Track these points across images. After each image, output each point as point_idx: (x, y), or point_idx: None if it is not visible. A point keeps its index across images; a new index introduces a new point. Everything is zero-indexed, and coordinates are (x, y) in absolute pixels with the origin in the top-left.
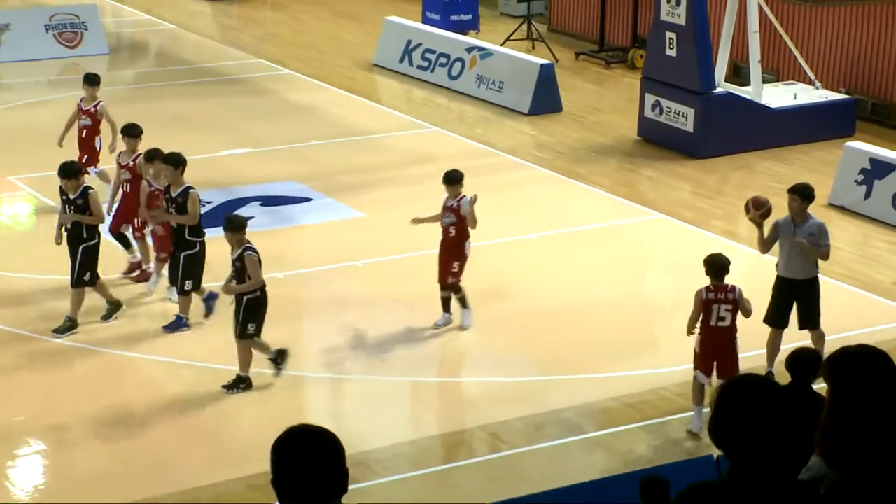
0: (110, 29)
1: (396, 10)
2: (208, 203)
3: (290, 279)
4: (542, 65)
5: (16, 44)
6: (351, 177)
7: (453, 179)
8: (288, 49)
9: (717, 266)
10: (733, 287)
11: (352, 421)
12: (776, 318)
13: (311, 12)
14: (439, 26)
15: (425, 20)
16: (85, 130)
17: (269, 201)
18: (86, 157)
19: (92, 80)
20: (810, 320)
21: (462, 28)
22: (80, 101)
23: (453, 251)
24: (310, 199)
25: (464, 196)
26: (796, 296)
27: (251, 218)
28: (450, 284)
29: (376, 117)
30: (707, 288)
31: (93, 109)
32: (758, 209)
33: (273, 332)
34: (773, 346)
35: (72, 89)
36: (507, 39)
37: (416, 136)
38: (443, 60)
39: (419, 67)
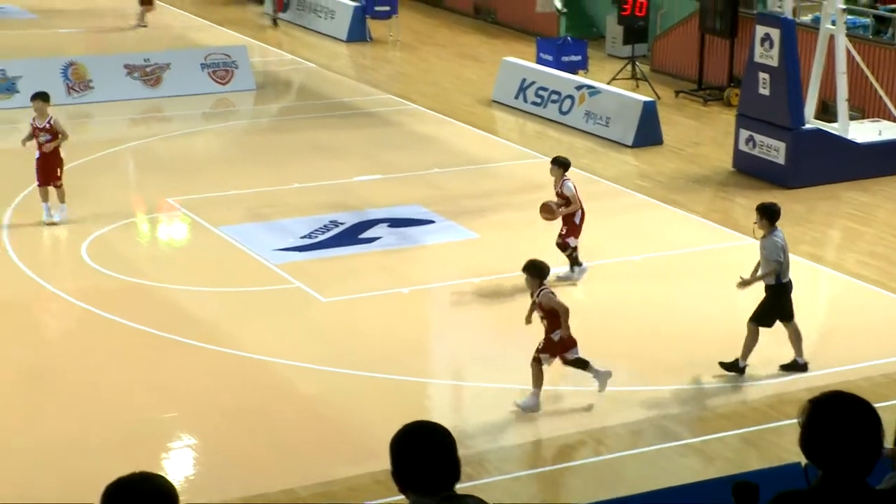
0: (257, 67)
1: (513, 51)
2: (341, 224)
3: (414, 294)
4: (645, 102)
5: (175, 80)
6: (469, 201)
7: (557, 163)
8: (415, 86)
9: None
10: None
11: (467, 423)
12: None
13: (436, 53)
14: (552, 66)
15: (539, 60)
16: (48, 145)
17: (395, 223)
18: (59, 169)
19: (44, 97)
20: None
21: (572, 68)
22: (33, 119)
23: (568, 220)
24: (432, 222)
25: (566, 180)
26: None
27: (379, 238)
28: (558, 244)
29: (493, 148)
30: None
31: (48, 125)
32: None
33: (401, 343)
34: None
35: (223, 120)
36: (614, 79)
37: (529, 166)
38: (554, 97)
39: (533, 103)
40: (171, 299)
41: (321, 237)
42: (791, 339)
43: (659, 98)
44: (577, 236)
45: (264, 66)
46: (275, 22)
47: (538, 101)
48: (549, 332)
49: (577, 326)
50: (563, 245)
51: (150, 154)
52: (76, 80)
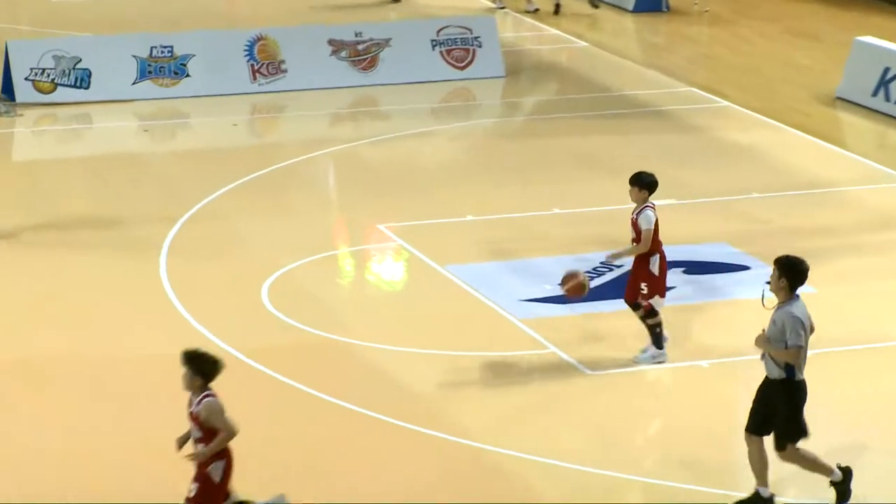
0: (507, 46)
1: (871, 27)
2: (616, 267)
3: (716, 370)
4: None
5: (396, 63)
6: (800, 241)
7: (638, 182)
8: (726, 75)
9: None
10: None
11: None
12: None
13: (758, 29)
14: None
15: None
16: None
17: (693, 268)
18: None
19: None
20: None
21: None
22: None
23: (637, 269)
24: (745, 268)
25: (647, 207)
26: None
27: (669, 289)
28: (641, 306)
29: (837, 165)
30: None
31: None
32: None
33: (702, 438)
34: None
35: (458, 118)
36: None
37: (890, 192)
38: None
39: None
40: (379, 364)
41: (590, 284)
42: (753, 460)
43: None
44: (662, 293)
45: (516, 45)
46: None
47: None
48: None
49: None
50: (637, 306)
51: (358, 163)
52: (264, 59)
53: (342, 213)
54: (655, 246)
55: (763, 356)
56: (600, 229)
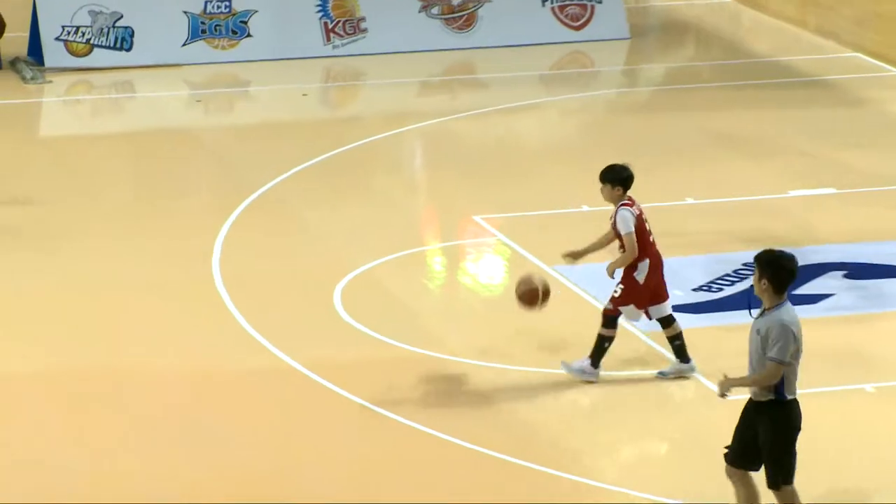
0: (632, 1)
1: None
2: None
3: (883, 394)
4: None
5: (498, 21)
6: None
7: (608, 177)
8: None
9: None
10: None
11: None
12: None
13: None
14: None
15: None
16: None
17: (856, 271)
18: None
19: None
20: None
21: None
22: None
23: (624, 273)
24: None
25: (622, 206)
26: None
27: (828, 296)
28: (604, 308)
29: None
30: None
31: None
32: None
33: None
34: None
35: (574, 88)
36: None
37: None
38: None
39: None
40: (476, 384)
41: (729, 290)
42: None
43: None
44: (641, 304)
45: (643, 1)
46: None
47: None
48: None
49: None
50: (606, 310)
51: (452, 141)
52: (340, 17)
53: (431, 201)
54: (645, 251)
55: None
56: (743, 223)
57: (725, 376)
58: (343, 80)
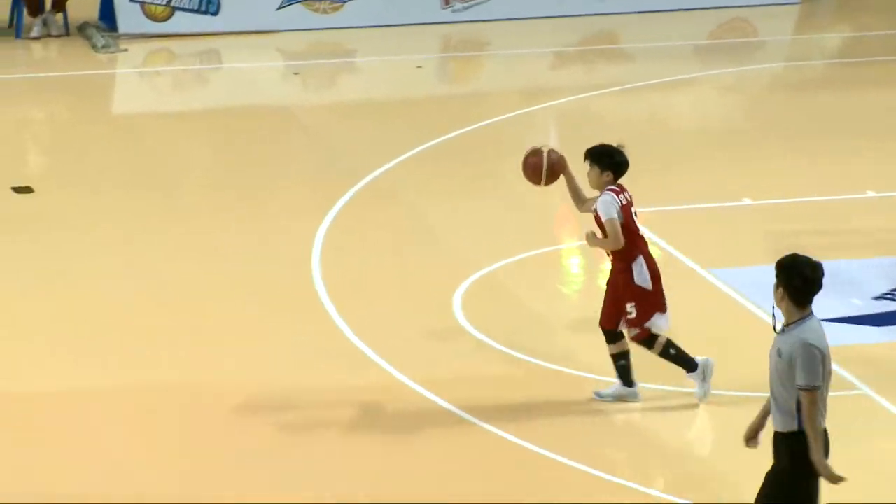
0: None
1: None
2: None
3: None
4: None
5: None
6: None
7: (598, 158)
8: None
9: None
10: None
11: None
12: None
13: None
14: None
15: None
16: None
17: None
18: None
19: None
20: None
21: None
22: None
23: (617, 282)
24: None
25: (606, 192)
26: None
27: None
28: (633, 337)
29: None
30: None
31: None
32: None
33: None
34: None
35: (735, 61)
36: None
37: None
38: None
39: None
40: (619, 407)
41: None
42: None
43: None
44: (661, 307)
45: None
46: None
47: None
48: None
49: None
50: (615, 335)
51: (590, 122)
52: None
53: (564, 192)
54: (635, 246)
55: (770, 400)
56: None
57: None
58: (464, 49)
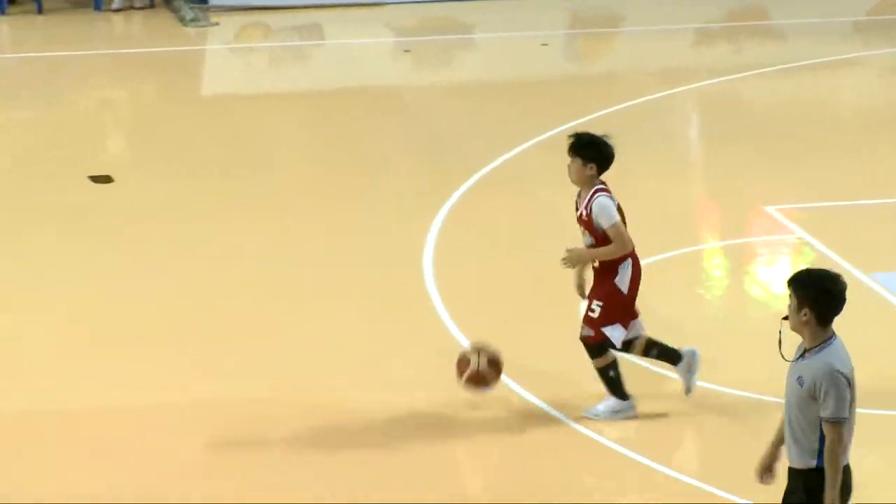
0: None
1: None
2: None
3: None
4: None
5: None
6: None
7: (582, 150)
8: None
9: None
10: None
11: None
12: None
13: None
14: None
15: None
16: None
17: None
18: None
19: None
20: None
21: None
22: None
23: (600, 282)
24: None
25: (599, 191)
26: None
27: None
28: (583, 336)
29: None
30: None
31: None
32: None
33: None
34: None
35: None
36: None
37: None
38: None
39: None
40: (760, 424)
41: None
42: None
43: None
44: (626, 321)
45: None
46: None
47: None
48: None
49: None
50: (588, 338)
51: (737, 108)
52: None
53: (710, 186)
54: (620, 247)
55: (787, 433)
56: None
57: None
58: (594, 25)
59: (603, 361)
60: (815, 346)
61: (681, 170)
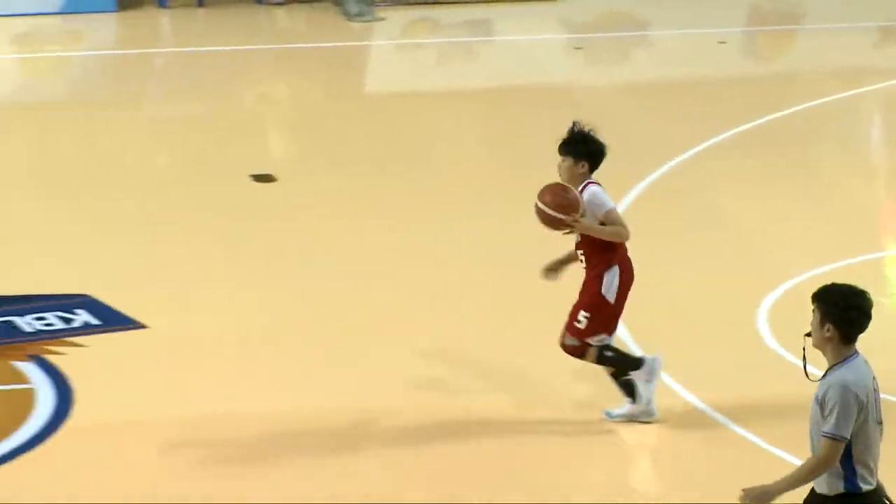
0: None
1: None
2: None
3: None
4: None
5: None
6: None
7: (573, 148)
8: None
9: None
10: None
11: None
12: None
13: None
14: None
15: None
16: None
17: None
18: None
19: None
20: None
21: None
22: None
23: (585, 289)
24: None
25: (589, 183)
26: None
27: None
28: (566, 345)
29: None
30: None
31: None
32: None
33: None
34: None
35: None
36: None
37: None
38: None
39: None
40: None
41: None
42: None
43: None
44: (610, 329)
45: None
46: None
47: None
48: None
49: None
50: (573, 348)
51: None
52: None
53: (885, 192)
54: (615, 252)
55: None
56: None
57: (744, 491)
58: (775, 22)
59: (591, 358)
60: (836, 364)
61: (864, 173)
